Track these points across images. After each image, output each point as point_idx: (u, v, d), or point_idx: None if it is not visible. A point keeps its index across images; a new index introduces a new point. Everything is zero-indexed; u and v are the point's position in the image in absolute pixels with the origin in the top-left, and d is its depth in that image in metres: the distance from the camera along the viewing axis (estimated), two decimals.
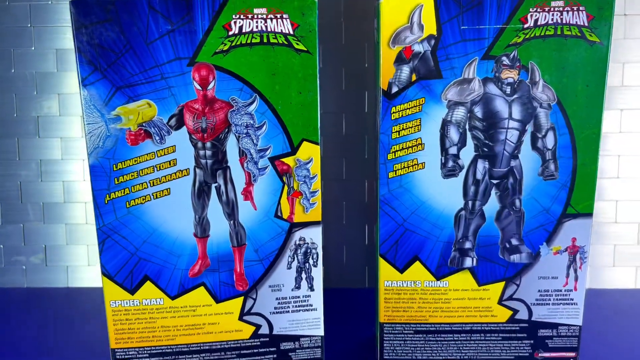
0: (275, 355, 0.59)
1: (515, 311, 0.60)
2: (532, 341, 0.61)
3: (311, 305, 0.59)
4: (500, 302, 0.60)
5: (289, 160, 0.55)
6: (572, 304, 0.60)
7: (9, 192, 0.87)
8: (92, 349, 0.69)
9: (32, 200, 0.87)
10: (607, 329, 0.73)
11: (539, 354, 0.61)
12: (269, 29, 0.52)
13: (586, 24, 0.53)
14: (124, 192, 0.54)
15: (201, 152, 0.54)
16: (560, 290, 0.60)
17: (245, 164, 0.55)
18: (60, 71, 0.84)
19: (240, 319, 0.58)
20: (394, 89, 0.56)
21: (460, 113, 0.56)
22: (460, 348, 0.61)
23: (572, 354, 0.61)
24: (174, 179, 0.54)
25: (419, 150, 0.57)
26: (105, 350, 0.68)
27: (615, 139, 0.83)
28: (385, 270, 0.60)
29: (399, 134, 0.56)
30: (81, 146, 0.86)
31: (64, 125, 0.86)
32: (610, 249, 0.86)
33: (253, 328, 0.58)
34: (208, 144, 0.54)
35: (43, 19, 0.84)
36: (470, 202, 0.58)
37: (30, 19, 0.84)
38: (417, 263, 0.59)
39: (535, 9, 0.53)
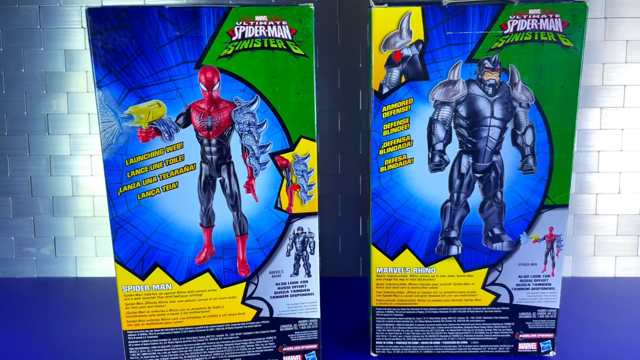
0: (275, 337, 0.63)
1: (498, 295, 0.64)
2: (513, 323, 0.65)
3: (308, 290, 0.62)
4: (483, 287, 0.64)
5: (288, 156, 0.59)
6: (550, 289, 0.64)
7: (20, 187, 0.90)
8: (101, 334, 0.73)
9: (42, 194, 0.91)
10: (587, 314, 0.77)
11: (520, 335, 0.65)
12: (269, 35, 0.56)
13: (561, 30, 0.57)
14: (135, 185, 0.57)
15: (207, 149, 0.58)
16: (539, 276, 0.64)
17: (247, 159, 0.58)
18: (68, 71, 0.87)
19: (243, 302, 0.61)
20: (385, 90, 0.59)
21: (446, 112, 0.60)
22: (447, 330, 0.65)
23: (550, 335, 0.65)
24: (181, 173, 0.58)
25: (408, 146, 0.61)
26: (113, 336, 0.71)
27: (595, 136, 0.87)
28: (377, 257, 0.63)
29: (389, 132, 0.60)
30: (89, 142, 0.89)
31: (72, 122, 0.89)
32: (591, 239, 0.90)
33: (255, 311, 0.62)
34: (213, 141, 0.58)
35: (52, 21, 0.86)
36: (455, 194, 0.62)
37: (39, 21, 0.86)
38: (407, 251, 0.63)
39: (514, 16, 0.57)
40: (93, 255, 0.92)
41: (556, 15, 0.57)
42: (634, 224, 0.89)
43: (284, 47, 0.56)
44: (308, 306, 0.63)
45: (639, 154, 0.87)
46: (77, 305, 0.82)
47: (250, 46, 0.56)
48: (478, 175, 0.61)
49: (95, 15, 0.53)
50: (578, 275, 0.91)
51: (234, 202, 0.59)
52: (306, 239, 0.61)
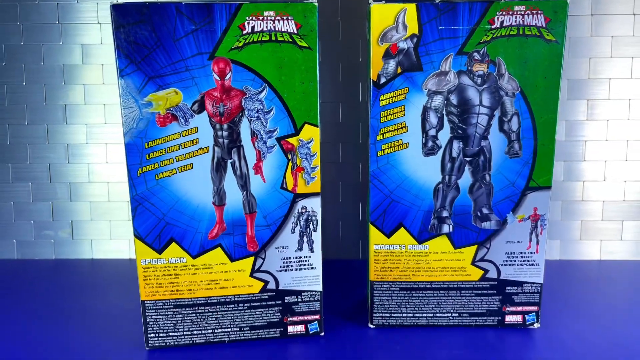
0: (280, 308, 0.67)
1: (486, 271, 0.68)
2: (500, 297, 0.69)
3: (311, 265, 0.67)
4: (473, 263, 0.68)
5: (293, 140, 0.63)
6: (534, 265, 0.68)
7: (39, 173, 0.95)
8: (115, 312, 0.77)
9: (60, 180, 0.95)
10: (572, 294, 0.81)
11: (507, 308, 0.70)
12: (276, 29, 0.60)
13: (544, 25, 0.62)
14: (153, 166, 0.62)
15: (219, 133, 0.62)
16: (524, 253, 0.68)
17: (256, 143, 0.63)
18: (85, 64, 0.92)
19: (251, 275, 0.66)
20: (382, 80, 0.64)
21: (438, 100, 0.64)
22: (439, 303, 0.69)
23: (535, 308, 0.69)
24: (196, 155, 0.62)
25: (404, 132, 0.65)
26: (129, 310, 0.75)
27: (582, 126, 0.92)
28: (375, 235, 0.68)
29: (386, 118, 0.65)
30: (104, 132, 0.94)
31: (88, 113, 0.93)
32: (578, 224, 0.94)
33: (262, 284, 0.66)
34: (225, 126, 0.62)
35: (70, 17, 0.91)
36: (447, 177, 0.66)
37: (57, 17, 0.91)
38: (402, 229, 0.67)
39: (501, 12, 0.62)
40: (108, 238, 0.97)
41: (539, 12, 0.62)
42: (618, 209, 0.94)
43: (290, 40, 0.61)
44: (311, 279, 0.67)
45: (623, 144, 0.92)
46: (94, 285, 0.86)
47: (260, 39, 0.60)
48: (468, 159, 0.66)
49: (119, 11, 0.58)
50: (565, 258, 0.95)
51: (244, 183, 0.64)
52: (309, 217, 0.65)
